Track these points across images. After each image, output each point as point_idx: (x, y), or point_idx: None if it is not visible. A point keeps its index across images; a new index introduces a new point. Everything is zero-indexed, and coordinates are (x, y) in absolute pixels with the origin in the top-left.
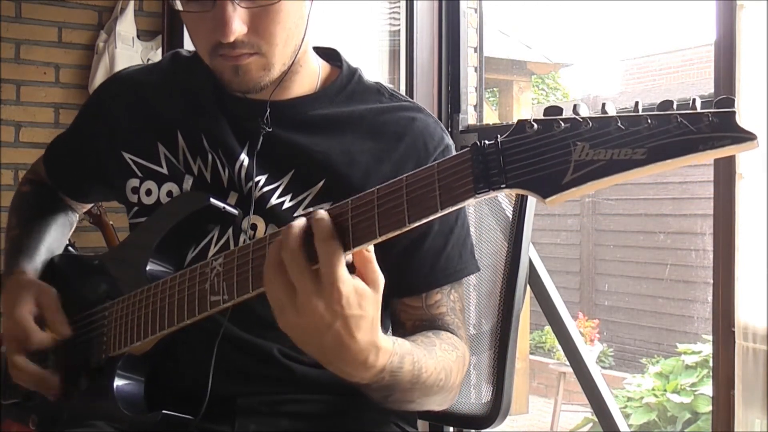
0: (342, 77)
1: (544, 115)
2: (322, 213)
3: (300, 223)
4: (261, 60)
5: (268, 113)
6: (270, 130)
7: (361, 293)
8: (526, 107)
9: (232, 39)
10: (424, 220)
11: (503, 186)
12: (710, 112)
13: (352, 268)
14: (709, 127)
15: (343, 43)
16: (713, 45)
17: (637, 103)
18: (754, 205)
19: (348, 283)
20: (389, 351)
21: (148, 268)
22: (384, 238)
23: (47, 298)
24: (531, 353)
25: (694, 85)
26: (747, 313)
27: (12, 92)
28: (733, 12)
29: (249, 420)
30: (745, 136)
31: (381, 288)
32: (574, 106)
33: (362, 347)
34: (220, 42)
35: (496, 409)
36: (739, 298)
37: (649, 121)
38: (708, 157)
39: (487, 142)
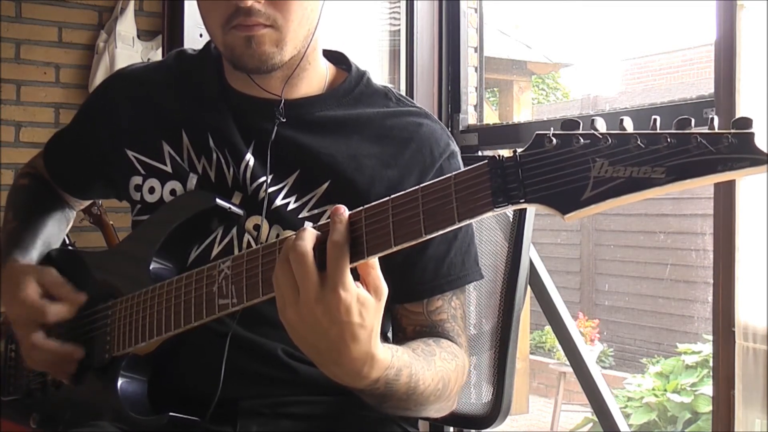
0: (350, 79)
1: (562, 129)
2: (343, 214)
3: (313, 229)
4: (275, 34)
5: (282, 104)
6: (284, 120)
7: (362, 302)
8: (527, 107)
9: (249, 3)
10: (441, 232)
11: (522, 201)
12: (729, 133)
13: (355, 275)
14: (728, 148)
15: (343, 43)
16: (713, 45)
17: (655, 120)
18: (754, 205)
19: (351, 290)
20: (386, 364)
21: (151, 267)
22: (399, 248)
23: (48, 275)
24: (531, 353)
25: (694, 85)
26: (747, 313)
27: (12, 92)
28: (733, 12)
29: (251, 421)
30: (763, 159)
31: (384, 297)
32: (592, 121)
33: (357, 357)
34: (235, 11)
35: (496, 409)
36: (739, 298)
37: (669, 139)
38: (727, 178)
39: (505, 155)
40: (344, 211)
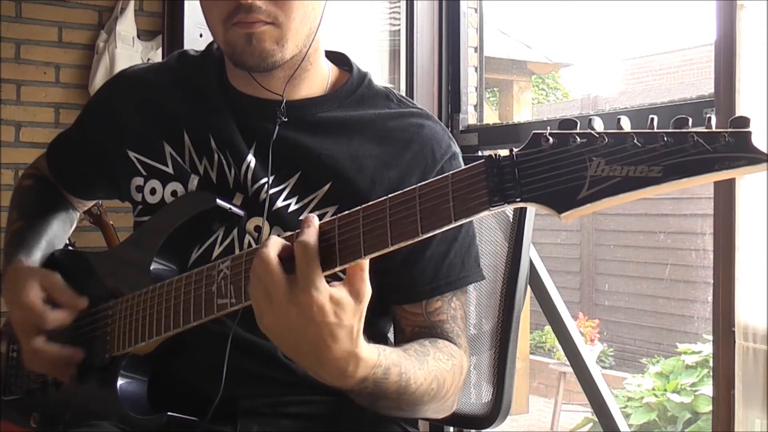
0: (352, 81)
1: (559, 128)
2: (313, 220)
3: (278, 239)
4: (276, 31)
5: (284, 103)
6: (286, 120)
7: (337, 302)
8: (526, 107)
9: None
10: (438, 231)
11: (518, 199)
12: (726, 132)
13: (339, 277)
14: (725, 147)
15: (343, 43)
16: (713, 45)
17: (652, 119)
18: (754, 205)
19: (323, 291)
20: (372, 362)
21: (152, 267)
22: (396, 247)
23: (51, 279)
24: (531, 353)
25: (694, 85)
26: (747, 313)
27: (12, 92)
28: (733, 12)
29: (251, 421)
30: (761, 158)
31: (365, 300)
32: (589, 120)
33: (339, 356)
34: (236, 8)
35: (496, 409)
36: (739, 298)
37: (666, 138)
38: (724, 176)
39: (501, 154)
40: (314, 218)
